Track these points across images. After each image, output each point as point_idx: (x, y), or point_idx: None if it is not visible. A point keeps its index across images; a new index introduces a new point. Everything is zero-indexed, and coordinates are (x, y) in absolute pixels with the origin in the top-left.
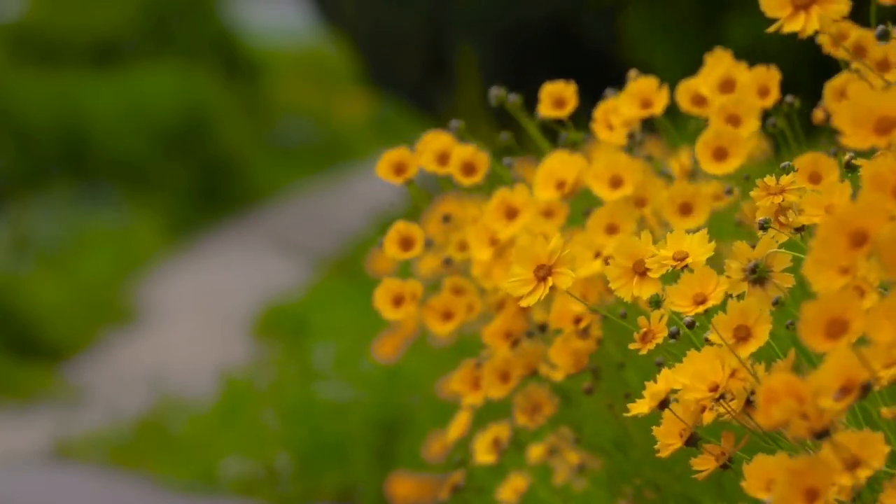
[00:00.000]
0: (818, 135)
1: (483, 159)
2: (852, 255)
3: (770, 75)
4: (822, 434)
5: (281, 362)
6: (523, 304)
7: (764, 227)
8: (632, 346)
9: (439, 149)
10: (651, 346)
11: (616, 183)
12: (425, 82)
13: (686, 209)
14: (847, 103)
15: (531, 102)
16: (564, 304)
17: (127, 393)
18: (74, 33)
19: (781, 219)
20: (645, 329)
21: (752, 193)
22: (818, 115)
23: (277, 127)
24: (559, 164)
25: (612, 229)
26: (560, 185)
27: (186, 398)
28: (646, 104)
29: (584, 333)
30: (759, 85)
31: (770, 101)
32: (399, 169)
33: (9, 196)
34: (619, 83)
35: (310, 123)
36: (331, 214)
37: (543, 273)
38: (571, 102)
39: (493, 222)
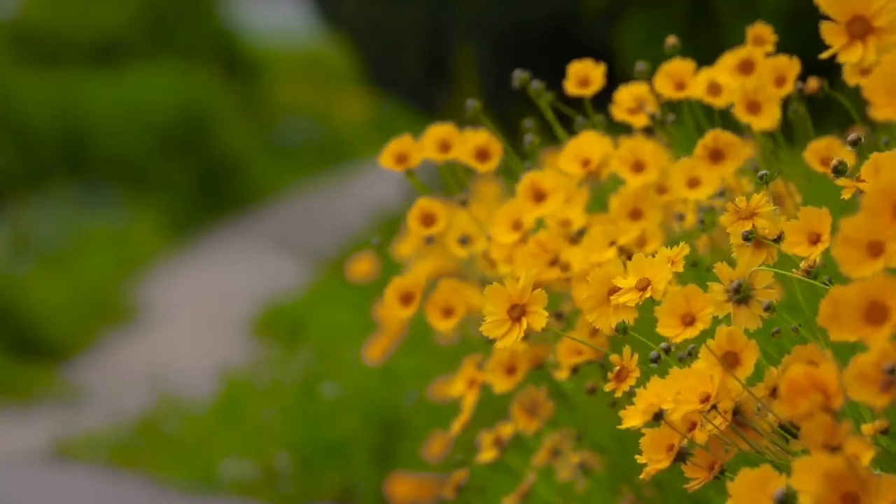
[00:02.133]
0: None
1: (497, 146)
2: None
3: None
4: (835, 448)
5: (280, 362)
6: (499, 346)
7: (748, 238)
8: (607, 388)
9: (442, 137)
10: (625, 387)
11: (639, 168)
12: (425, 82)
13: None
14: (879, 70)
15: (531, 101)
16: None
17: (127, 393)
18: (74, 33)
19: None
20: (618, 367)
21: (721, 219)
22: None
23: (277, 127)
24: (585, 144)
25: (636, 214)
26: (585, 163)
27: (186, 398)
28: (679, 86)
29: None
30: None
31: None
32: (401, 159)
33: (9, 196)
34: (618, 83)
35: (310, 123)
36: (331, 214)
37: (517, 313)
38: (597, 82)
39: (521, 204)
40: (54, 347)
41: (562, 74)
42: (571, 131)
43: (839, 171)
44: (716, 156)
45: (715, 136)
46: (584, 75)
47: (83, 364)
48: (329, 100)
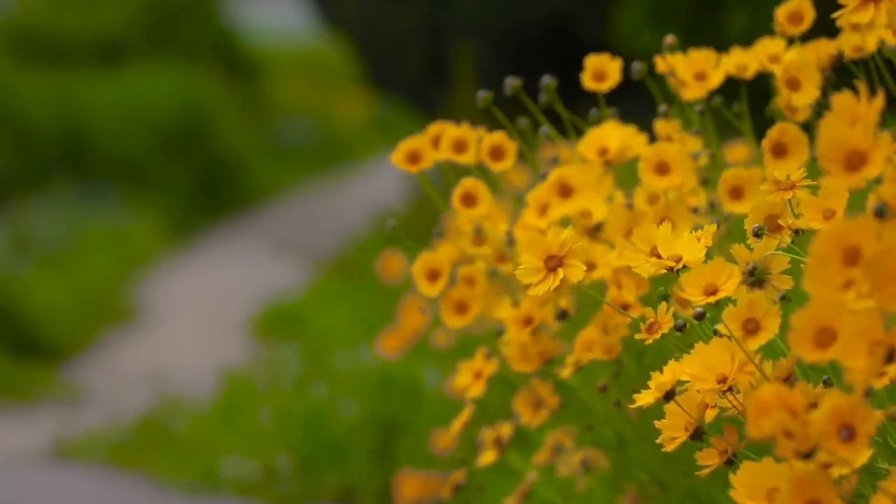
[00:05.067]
0: None
1: (511, 144)
2: (846, 273)
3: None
4: (807, 455)
5: (281, 362)
6: (532, 293)
7: (758, 234)
8: (638, 337)
9: (456, 137)
10: (657, 335)
11: (663, 170)
12: (425, 82)
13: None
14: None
15: (533, 101)
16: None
17: (127, 393)
18: (75, 33)
19: (780, 221)
20: (651, 320)
21: (762, 187)
22: None
23: (277, 127)
24: (605, 134)
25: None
26: (602, 151)
27: (186, 398)
28: (700, 77)
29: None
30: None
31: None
32: (413, 158)
33: (9, 196)
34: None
35: (310, 123)
36: (331, 214)
37: (554, 264)
38: (614, 76)
39: (549, 198)
40: (54, 347)
41: (562, 74)
42: (570, 130)
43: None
44: (779, 150)
45: (781, 129)
46: (600, 69)
47: (83, 364)
48: (329, 100)
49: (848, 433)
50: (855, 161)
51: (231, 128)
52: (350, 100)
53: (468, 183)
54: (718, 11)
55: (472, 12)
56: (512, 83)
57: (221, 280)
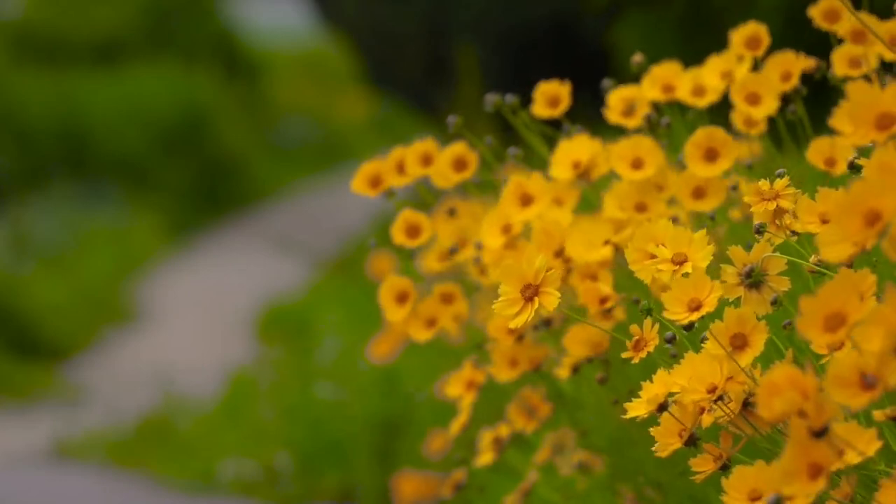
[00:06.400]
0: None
1: (473, 156)
2: (866, 234)
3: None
4: (820, 433)
5: (281, 362)
6: (511, 325)
7: (760, 231)
8: (624, 356)
9: (422, 152)
10: (643, 354)
11: (638, 165)
12: (425, 82)
13: (699, 193)
14: (846, 103)
15: (532, 100)
16: (591, 286)
17: (127, 392)
18: (74, 33)
19: (778, 222)
20: (637, 337)
21: (745, 199)
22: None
23: (277, 127)
24: (575, 147)
25: (640, 208)
26: (575, 165)
27: (186, 398)
28: (667, 89)
29: (608, 314)
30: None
31: (790, 86)
32: (375, 182)
33: (9, 196)
34: (615, 81)
35: (310, 123)
36: (331, 214)
37: (530, 293)
38: (565, 101)
39: (508, 207)
40: (54, 347)
41: (563, 73)
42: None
43: (854, 168)
44: (710, 155)
45: (709, 134)
46: (553, 95)
47: (83, 364)
48: (329, 100)
49: (871, 382)
50: (885, 121)
51: (231, 128)
52: (350, 100)
53: (408, 214)
54: (711, 26)
55: (472, 12)
56: (492, 100)
57: (221, 280)
